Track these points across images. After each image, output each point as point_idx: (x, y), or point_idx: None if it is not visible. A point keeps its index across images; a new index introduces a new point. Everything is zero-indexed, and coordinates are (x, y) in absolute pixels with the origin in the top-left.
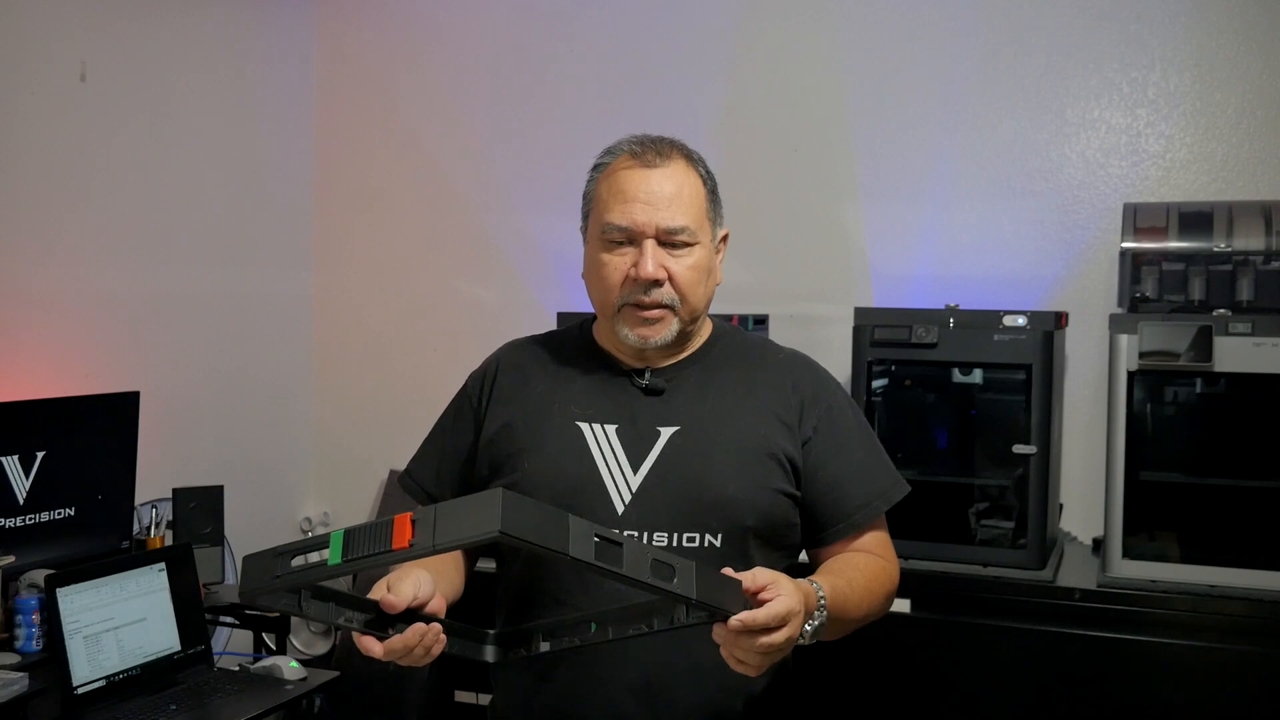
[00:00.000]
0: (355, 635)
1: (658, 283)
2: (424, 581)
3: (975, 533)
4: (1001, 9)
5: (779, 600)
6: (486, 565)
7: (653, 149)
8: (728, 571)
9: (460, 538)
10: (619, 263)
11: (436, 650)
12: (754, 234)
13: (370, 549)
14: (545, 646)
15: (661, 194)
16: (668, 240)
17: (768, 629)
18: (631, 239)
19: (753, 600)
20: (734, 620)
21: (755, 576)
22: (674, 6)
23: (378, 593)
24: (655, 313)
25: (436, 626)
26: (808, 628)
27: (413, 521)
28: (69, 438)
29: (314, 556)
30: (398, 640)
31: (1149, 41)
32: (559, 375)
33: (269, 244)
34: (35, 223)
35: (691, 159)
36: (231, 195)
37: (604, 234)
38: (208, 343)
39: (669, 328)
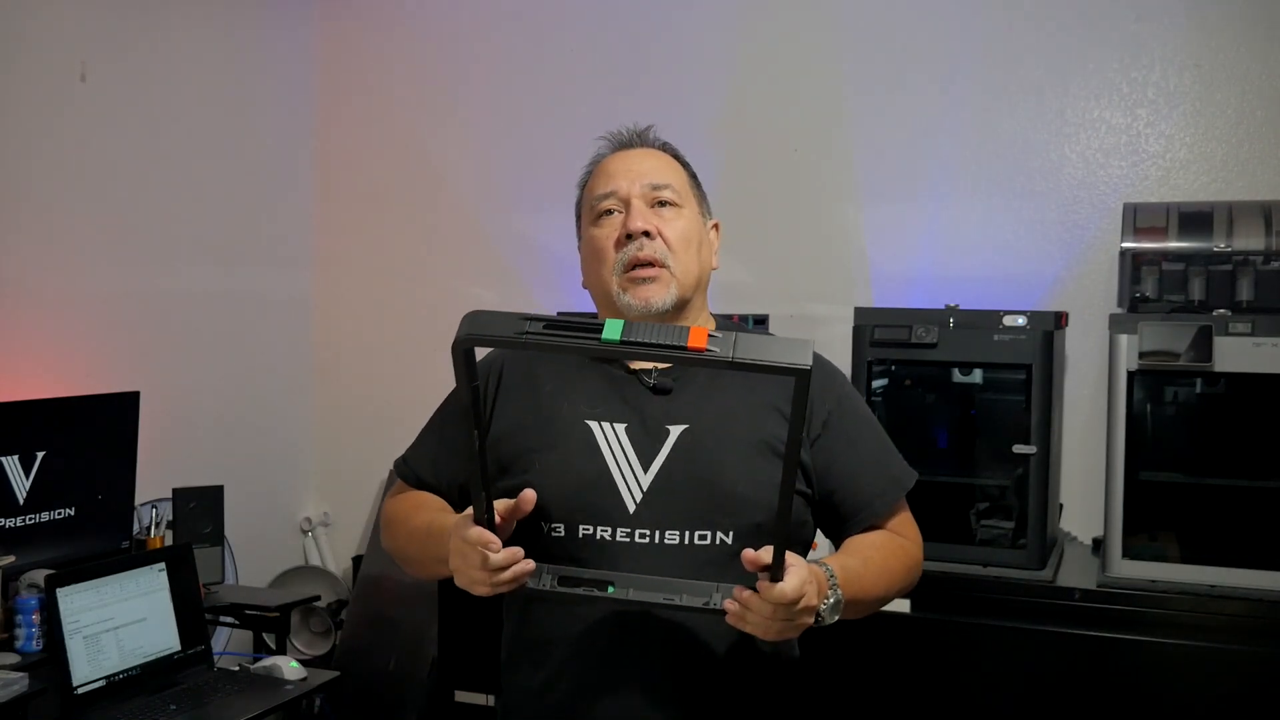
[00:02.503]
0: (471, 528)
1: (648, 235)
2: (502, 503)
3: (975, 533)
4: (1001, 9)
5: (792, 575)
6: None
7: (628, 135)
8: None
9: (763, 360)
10: (609, 231)
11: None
12: (754, 234)
13: (657, 339)
14: (549, 583)
15: (642, 163)
16: (653, 200)
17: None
18: (619, 205)
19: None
20: (743, 594)
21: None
22: (674, 7)
23: (478, 529)
24: (650, 270)
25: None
26: (824, 606)
27: (710, 334)
28: (69, 438)
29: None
30: (509, 554)
31: (1149, 41)
32: (567, 374)
33: (269, 244)
34: (35, 223)
35: (668, 148)
36: (231, 195)
37: (593, 210)
38: (208, 343)
39: (666, 289)
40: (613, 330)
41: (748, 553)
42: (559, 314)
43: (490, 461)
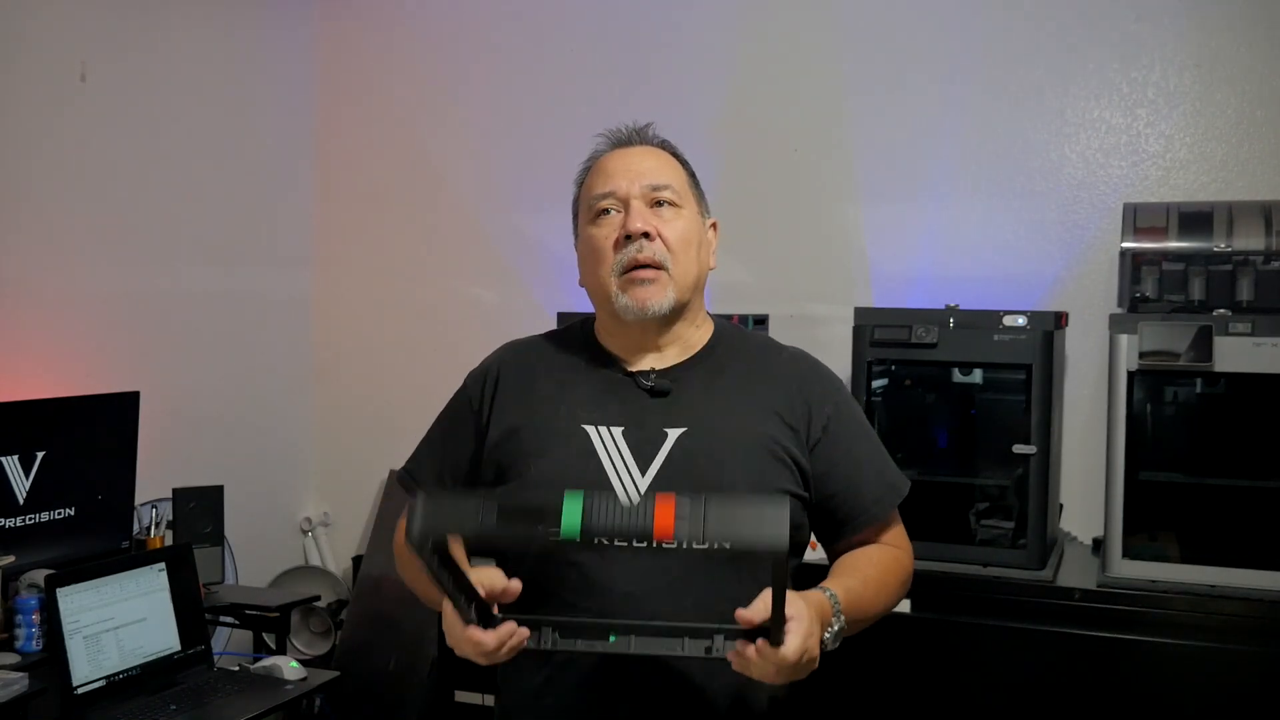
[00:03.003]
0: (463, 625)
1: (647, 236)
2: (498, 571)
3: (975, 533)
4: (1002, 9)
5: (794, 636)
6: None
7: (627, 133)
8: (742, 613)
9: (737, 540)
10: (608, 231)
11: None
12: (754, 234)
13: (618, 525)
14: (554, 642)
15: (642, 163)
16: (653, 200)
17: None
18: (618, 205)
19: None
20: (746, 650)
21: (767, 602)
22: (674, 7)
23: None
24: (649, 273)
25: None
26: (827, 635)
27: (675, 514)
28: (69, 438)
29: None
30: (500, 637)
31: (1149, 41)
32: (564, 378)
33: (269, 244)
34: (35, 223)
35: (667, 146)
36: (231, 195)
37: (591, 209)
38: (208, 343)
39: (665, 292)
40: (572, 518)
41: (741, 613)
42: (558, 315)
43: (487, 466)
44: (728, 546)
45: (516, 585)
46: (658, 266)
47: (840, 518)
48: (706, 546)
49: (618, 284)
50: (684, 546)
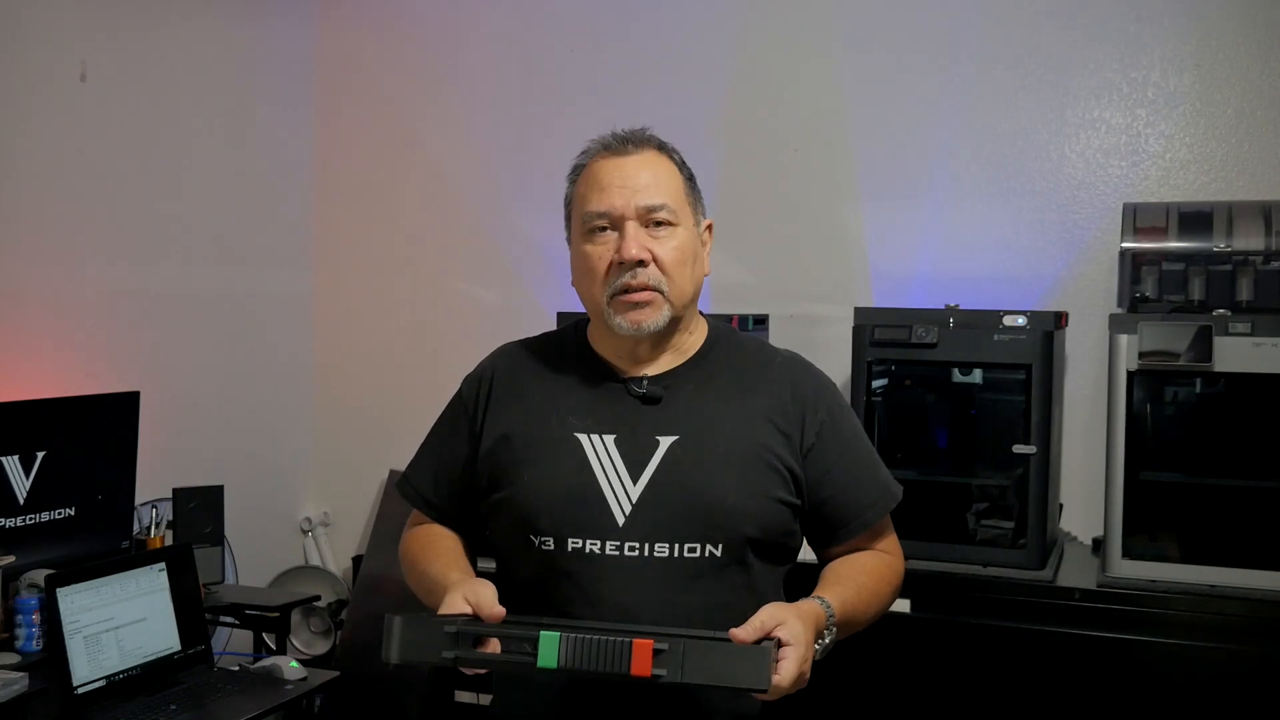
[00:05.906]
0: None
1: (642, 263)
2: (490, 590)
3: (975, 533)
4: (1002, 9)
5: (789, 663)
6: (485, 565)
7: (623, 139)
8: (735, 633)
9: (718, 683)
10: (602, 251)
11: None
12: (754, 234)
13: (597, 665)
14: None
15: (637, 177)
16: (648, 220)
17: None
18: (613, 224)
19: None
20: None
21: (763, 623)
22: (674, 7)
23: (460, 606)
24: (644, 295)
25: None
26: (817, 647)
27: (655, 651)
28: (69, 438)
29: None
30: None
31: (1149, 41)
32: (556, 384)
33: (269, 244)
34: (35, 222)
35: (664, 148)
36: (231, 195)
37: (585, 224)
38: (208, 343)
39: (660, 312)
40: (548, 653)
41: (735, 633)
42: (558, 315)
43: (481, 474)
44: (707, 687)
45: (501, 612)
46: (652, 289)
47: (834, 523)
48: (683, 683)
49: (612, 304)
50: (666, 684)
